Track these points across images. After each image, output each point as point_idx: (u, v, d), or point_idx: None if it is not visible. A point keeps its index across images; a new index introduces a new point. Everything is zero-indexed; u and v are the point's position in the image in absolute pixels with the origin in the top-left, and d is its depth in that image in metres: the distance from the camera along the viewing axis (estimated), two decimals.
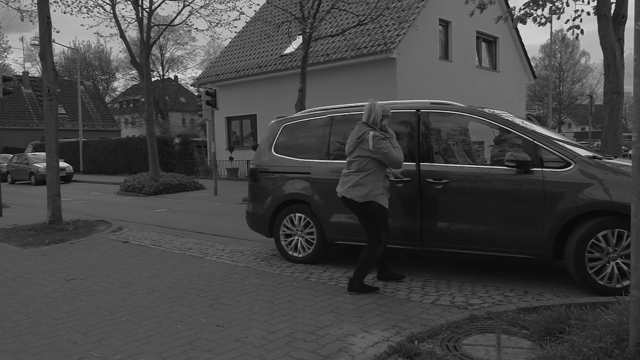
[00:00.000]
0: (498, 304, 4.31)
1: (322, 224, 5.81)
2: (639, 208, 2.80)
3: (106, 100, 57.08)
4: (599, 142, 12.80)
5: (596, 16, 8.55)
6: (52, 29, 9.65)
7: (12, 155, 26.91)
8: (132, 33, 57.07)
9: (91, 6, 22.68)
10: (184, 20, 23.42)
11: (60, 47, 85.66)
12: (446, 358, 3.21)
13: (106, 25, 72.27)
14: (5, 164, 26.07)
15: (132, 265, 6.29)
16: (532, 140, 4.81)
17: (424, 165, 5.19)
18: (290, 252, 6.16)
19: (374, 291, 4.83)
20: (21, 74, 45.35)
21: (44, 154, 16.64)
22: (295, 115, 6.76)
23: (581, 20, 8.88)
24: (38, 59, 27.92)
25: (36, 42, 23.59)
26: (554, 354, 3.00)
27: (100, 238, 8.28)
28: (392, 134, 4.83)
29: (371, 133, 4.62)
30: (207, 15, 17.97)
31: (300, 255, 6.08)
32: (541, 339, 3.38)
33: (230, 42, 25.10)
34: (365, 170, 4.68)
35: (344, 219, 5.62)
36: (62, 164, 22.92)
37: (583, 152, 4.81)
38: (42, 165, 22.02)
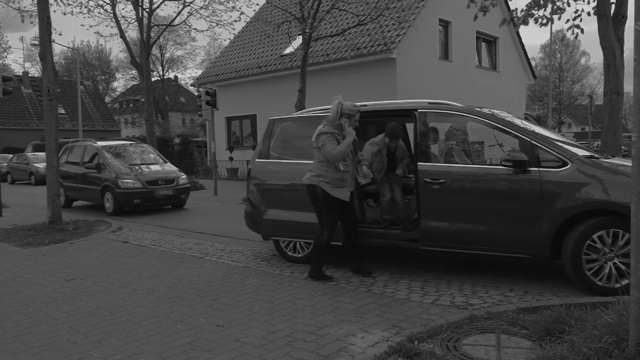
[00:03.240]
0: (498, 304, 4.32)
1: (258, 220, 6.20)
2: (639, 208, 2.80)
3: (106, 100, 57.00)
4: (599, 142, 12.80)
5: (596, 16, 8.55)
6: (52, 30, 9.66)
7: (12, 155, 26.88)
8: (132, 33, 56.99)
9: (92, 6, 22.63)
10: (183, 21, 23.51)
11: (60, 47, 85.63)
12: (446, 358, 3.21)
13: (106, 25, 72.22)
14: (5, 164, 26.05)
15: (132, 265, 6.29)
16: (529, 140, 4.81)
17: (422, 165, 5.19)
18: (290, 253, 6.16)
19: (327, 279, 5.25)
20: (21, 74, 45.25)
21: (43, 154, 16.59)
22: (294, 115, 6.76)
23: (581, 20, 8.86)
24: (38, 59, 27.88)
25: (36, 42, 23.55)
26: (554, 354, 3.00)
27: (100, 238, 8.28)
28: (350, 132, 5.05)
29: (319, 127, 5.12)
30: (207, 16, 18.02)
31: (299, 255, 6.08)
32: (541, 339, 3.38)
33: (230, 42, 25.09)
34: (318, 159, 5.19)
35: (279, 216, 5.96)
36: (170, 166, 12.76)
37: (580, 152, 4.80)
38: (42, 166, 21.95)
